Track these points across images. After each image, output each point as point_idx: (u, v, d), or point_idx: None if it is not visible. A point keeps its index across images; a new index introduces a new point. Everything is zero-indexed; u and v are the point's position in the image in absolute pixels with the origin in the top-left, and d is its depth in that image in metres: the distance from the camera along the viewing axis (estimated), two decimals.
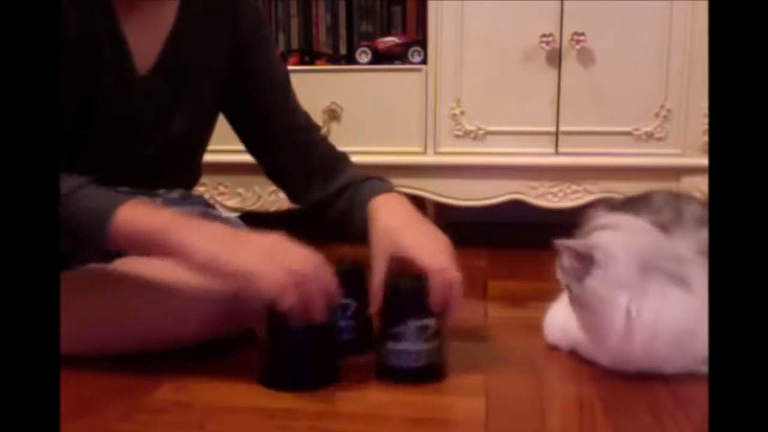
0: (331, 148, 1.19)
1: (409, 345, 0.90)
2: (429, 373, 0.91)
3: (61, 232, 0.84)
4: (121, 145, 1.06)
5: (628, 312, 0.87)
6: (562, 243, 0.92)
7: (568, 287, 0.94)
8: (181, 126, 1.10)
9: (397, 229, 0.98)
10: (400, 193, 1.09)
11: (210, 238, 0.87)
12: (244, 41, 1.14)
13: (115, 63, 1.01)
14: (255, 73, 1.16)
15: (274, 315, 0.87)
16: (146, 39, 1.04)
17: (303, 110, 1.21)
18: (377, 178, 1.12)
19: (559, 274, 0.96)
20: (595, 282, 0.90)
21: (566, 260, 0.93)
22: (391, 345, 0.90)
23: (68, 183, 0.87)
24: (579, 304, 0.93)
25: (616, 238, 0.93)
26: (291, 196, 1.21)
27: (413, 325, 0.89)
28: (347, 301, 0.96)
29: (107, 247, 0.87)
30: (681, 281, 0.89)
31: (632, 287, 0.88)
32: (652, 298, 0.88)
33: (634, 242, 0.92)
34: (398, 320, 0.90)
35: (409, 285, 0.91)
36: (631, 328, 0.88)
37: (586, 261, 0.90)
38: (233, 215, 1.24)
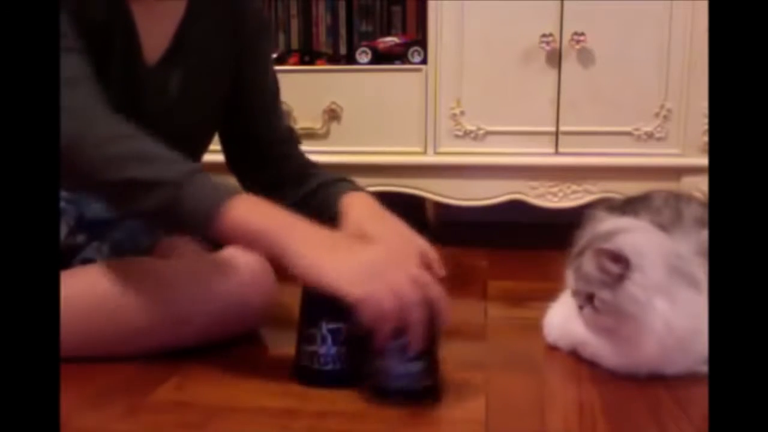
0: (305, 159, 1.21)
1: (320, 348, 0.88)
2: (340, 377, 0.89)
3: (166, 214, 0.85)
4: None
5: (666, 318, 0.86)
6: (596, 247, 0.89)
7: (587, 295, 0.91)
8: (185, 120, 1.11)
9: (365, 222, 1.00)
10: (368, 192, 1.10)
11: (317, 246, 0.84)
12: (244, 46, 1.15)
13: (124, 52, 1.01)
14: (251, 81, 1.18)
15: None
16: (156, 30, 1.04)
17: (286, 123, 1.24)
18: (345, 179, 1.14)
19: (576, 283, 0.93)
20: (632, 287, 0.87)
21: (593, 265, 0.89)
22: (305, 347, 0.90)
23: (182, 167, 0.86)
24: (609, 310, 0.89)
25: (645, 240, 0.90)
26: None
27: (326, 327, 0.88)
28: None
29: (212, 236, 0.86)
30: (695, 282, 0.88)
31: (665, 291, 0.86)
32: (681, 302, 0.86)
33: (659, 243, 0.90)
34: (312, 323, 0.89)
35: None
36: (669, 335, 0.86)
37: (622, 264, 0.87)
38: None
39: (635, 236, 0.91)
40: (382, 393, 0.85)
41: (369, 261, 0.83)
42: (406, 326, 0.80)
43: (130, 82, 1.03)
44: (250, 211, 0.86)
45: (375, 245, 0.90)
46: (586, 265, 0.90)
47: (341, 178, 1.14)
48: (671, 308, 0.86)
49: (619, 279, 0.87)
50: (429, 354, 0.85)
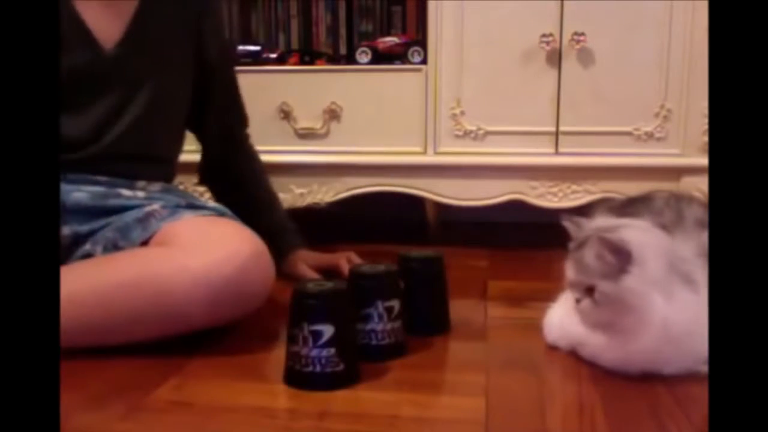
0: (252, 153, 1.41)
1: (302, 349, 0.89)
2: (321, 380, 0.88)
3: None
4: (95, 120, 1.12)
5: (664, 314, 0.86)
6: (598, 236, 0.89)
7: (587, 287, 0.91)
8: (153, 99, 1.16)
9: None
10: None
11: None
12: (203, 28, 1.25)
13: (74, 41, 1.08)
14: (207, 64, 1.27)
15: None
16: (107, 16, 1.11)
17: (241, 109, 1.39)
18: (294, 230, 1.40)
19: (576, 275, 0.93)
20: (632, 280, 0.87)
21: (594, 256, 0.90)
22: (289, 347, 0.90)
23: None
24: (609, 302, 0.89)
25: (645, 236, 0.91)
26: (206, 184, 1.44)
27: (307, 329, 0.88)
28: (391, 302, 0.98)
29: None
30: (692, 282, 0.88)
31: (663, 288, 0.87)
32: (678, 301, 0.87)
33: (660, 241, 0.91)
34: (294, 323, 0.89)
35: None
36: (667, 329, 0.86)
37: (623, 256, 0.88)
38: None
39: (637, 231, 0.92)
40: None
41: None
42: None
43: (90, 66, 1.10)
44: None
45: None
46: (588, 256, 0.90)
47: (294, 226, 1.40)
48: (669, 305, 0.87)
49: (621, 271, 0.88)
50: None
